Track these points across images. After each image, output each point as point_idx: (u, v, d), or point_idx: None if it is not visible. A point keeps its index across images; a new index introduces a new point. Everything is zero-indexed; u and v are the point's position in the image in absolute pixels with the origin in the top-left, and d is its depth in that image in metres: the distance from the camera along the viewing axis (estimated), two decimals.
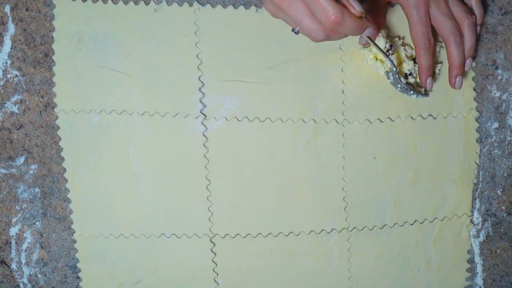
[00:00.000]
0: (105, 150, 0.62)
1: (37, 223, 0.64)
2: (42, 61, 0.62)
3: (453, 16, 0.57)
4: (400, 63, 0.61)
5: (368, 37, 0.54)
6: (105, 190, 0.63)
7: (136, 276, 0.64)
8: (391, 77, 0.61)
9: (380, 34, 0.60)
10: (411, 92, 0.60)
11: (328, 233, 0.65)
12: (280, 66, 0.62)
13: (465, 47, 0.58)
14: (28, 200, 0.63)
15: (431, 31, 0.57)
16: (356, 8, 0.48)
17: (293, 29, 0.52)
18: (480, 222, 0.68)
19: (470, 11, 0.59)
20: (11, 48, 0.61)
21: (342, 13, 0.46)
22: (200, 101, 0.62)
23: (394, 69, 0.59)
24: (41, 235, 0.64)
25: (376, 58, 0.61)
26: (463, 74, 0.60)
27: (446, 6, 0.57)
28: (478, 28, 0.60)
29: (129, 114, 0.62)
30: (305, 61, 0.62)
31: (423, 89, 0.62)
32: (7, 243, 0.64)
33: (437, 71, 0.63)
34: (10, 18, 0.61)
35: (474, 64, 0.64)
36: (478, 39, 0.64)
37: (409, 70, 0.61)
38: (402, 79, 0.60)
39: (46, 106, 0.62)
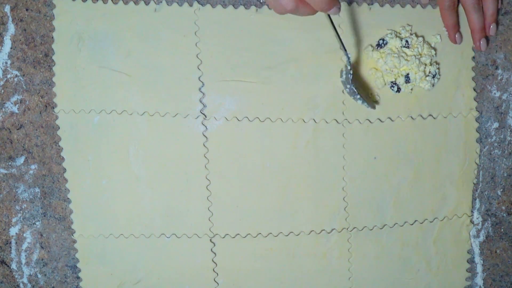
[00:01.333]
0: (105, 150, 0.62)
1: (37, 223, 0.64)
2: (42, 61, 0.62)
3: None
4: (420, 57, 0.62)
5: (328, 16, 0.53)
6: (105, 190, 0.63)
7: (136, 276, 0.64)
8: (343, 76, 0.61)
9: (394, 32, 0.61)
10: (358, 96, 0.60)
11: (328, 233, 0.65)
12: (280, 66, 0.62)
13: (487, 13, 0.62)
14: (28, 200, 0.63)
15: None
16: None
17: None
18: (480, 222, 0.68)
19: None
20: (11, 48, 0.61)
21: None
22: (200, 101, 0.62)
23: (349, 66, 0.59)
24: (41, 235, 0.64)
25: (376, 69, 0.62)
26: (485, 37, 0.63)
27: None
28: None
29: (129, 114, 0.62)
30: (305, 61, 0.62)
31: (372, 102, 0.62)
32: (7, 243, 0.64)
33: (435, 70, 0.63)
34: (10, 18, 0.61)
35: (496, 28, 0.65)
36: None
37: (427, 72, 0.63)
38: (351, 82, 0.60)
39: (46, 106, 0.62)
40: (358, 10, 0.63)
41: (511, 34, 0.65)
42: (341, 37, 0.58)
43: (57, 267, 0.65)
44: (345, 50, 0.58)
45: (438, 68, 0.63)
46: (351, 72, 0.59)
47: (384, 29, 0.63)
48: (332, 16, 0.53)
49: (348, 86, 0.60)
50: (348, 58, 0.59)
